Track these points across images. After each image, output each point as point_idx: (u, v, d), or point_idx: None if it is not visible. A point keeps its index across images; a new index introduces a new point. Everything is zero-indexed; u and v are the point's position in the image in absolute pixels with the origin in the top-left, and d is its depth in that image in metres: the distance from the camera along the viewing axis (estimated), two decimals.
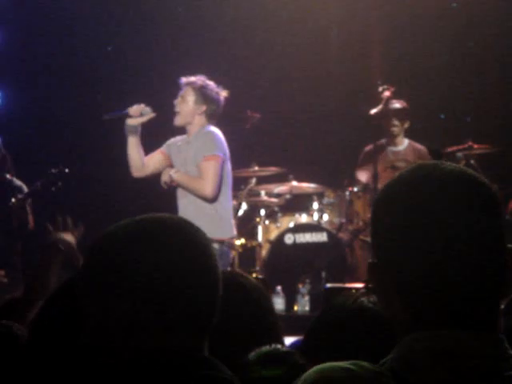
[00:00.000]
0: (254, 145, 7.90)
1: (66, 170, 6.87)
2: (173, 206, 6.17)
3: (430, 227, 1.38)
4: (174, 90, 6.26)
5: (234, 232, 6.31)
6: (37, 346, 1.97)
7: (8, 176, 7.13)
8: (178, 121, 6.13)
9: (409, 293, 1.39)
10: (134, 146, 6.14)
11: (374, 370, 1.37)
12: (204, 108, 6.06)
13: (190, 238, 1.62)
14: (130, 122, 6.11)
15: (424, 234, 1.38)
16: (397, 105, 7.68)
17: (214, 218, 5.94)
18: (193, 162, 6.02)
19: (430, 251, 1.37)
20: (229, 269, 5.88)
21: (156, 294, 1.56)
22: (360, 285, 6.14)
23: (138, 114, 6.09)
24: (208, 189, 5.93)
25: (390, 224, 1.41)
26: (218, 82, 6.19)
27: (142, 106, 6.10)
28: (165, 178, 6.08)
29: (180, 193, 6.12)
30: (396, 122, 7.78)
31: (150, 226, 1.62)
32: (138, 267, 1.57)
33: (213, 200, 5.97)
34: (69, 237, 3.29)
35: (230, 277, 2.29)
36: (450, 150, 7.30)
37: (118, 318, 1.57)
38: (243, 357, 1.89)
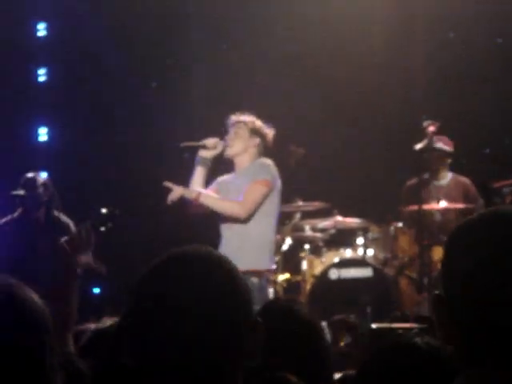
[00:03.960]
0: (298, 180, 7.92)
1: (117, 211, 6.90)
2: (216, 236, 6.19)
3: (500, 271, 1.40)
4: (218, 126, 6.31)
5: (273, 265, 6.30)
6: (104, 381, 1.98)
7: (56, 213, 7.21)
8: (231, 151, 6.13)
9: (469, 330, 1.41)
10: (200, 177, 6.13)
11: None
12: (258, 141, 6.11)
13: (226, 274, 1.62)
14: (203, 153, 6.11)
15: (495, 278, 1.40)
16: (439, 145, 7.63)
17: (257, 248, 5.94)
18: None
19: (498, 294, 1.39)
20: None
21: (186, 333, 1.56)
22: (407, 325, 6.09)
23: (213, 146, 6.12)
24: (243, 209, 5.91)
25: (462, 264, 1.44)
26: (262, 117, 6.24)
27: (217, 139, 6.12)
28: (190, 196, 5.99)
29: (224, 225, 6.13)
30: (438, 161, 7.76)
31: (184, 263, 1.62)
32: (168, 306, 1.58)
33: (244, 221, 5.95)
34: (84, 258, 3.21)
35: (286, 305, 2.27)
36: (495, 185, 7.24)
37: (150, 357, 1.58)
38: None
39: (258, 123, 6.17)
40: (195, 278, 1.59)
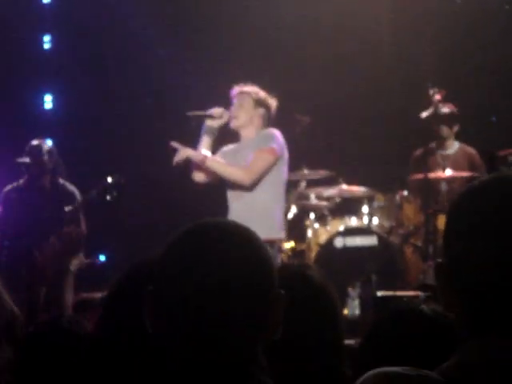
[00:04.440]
0: (304, 148, 7.90)
1: (122, 180, 6.91)
2: (224, 208, 6.19)
3: (502, 236, 1.39)
4: (224, 96, 6.31)
5: (283, 234, 6.32)
6: (103, 341, 1.99)
7: (61, 181, 7.22)
8: (235, 123, 6.14)
9: (469, 297, 1.40)
10: (206, 147, 6.12)
11: (427, 376, 1.38)
12: (262, 111, 6.12)
13: (250, 246, 1.61)
14: (210, 123, 6.11)
15: (496, 242, 1.39)
16: (445, 109, 7.62)
17: (267, 218, 5.96)
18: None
19: (499, 260, 1.38)
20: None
21: (208, 308, 1.54)
22: (411, 293, 6.10)
23: (220, 116, 6.11)
24: (248, 175, 5.94)
25: (462, 229, 1.43)
26: (268, 85, 6.23)
27: (223, 109, 6.12)
28: (197, 158, 6.02)
29: (232, 196, 6.13)
30: (444, 127, 7.74)
31: (211, 236, 1.60)
32: (193, 277, 1.56)
33: (250, 189, 5.98)
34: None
35: (299, 270, 2.25)
36: (501, 153, 7.22)
37: (176, 327, 1.57)
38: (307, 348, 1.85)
39: (262, 94, 6.17)
40: (218, 249, 1.57)
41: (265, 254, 1.62)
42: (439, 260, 1.46)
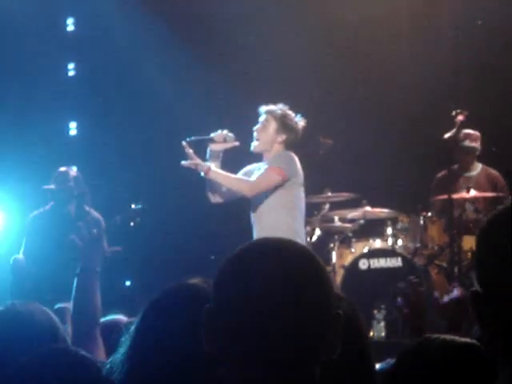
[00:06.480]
0: (327, 171, 7.91)
1: (146, 207, 6.95)
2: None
3: None
4: (250, 117, 6.30)
5: None
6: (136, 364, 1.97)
7: (86, 207, 7.27)
8: (257, 148, 6.08)
9: (509, 325, 1.37)
10: None
11: None
12: (284, 137, 6.04)
13: (311, 265, 1.58)
14: (213, 147, 6.06)
15: None
16: (466, 143, 7.66)
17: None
18: None
19: None
20: None
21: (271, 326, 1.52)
22: None
23: (222, 139, 6.04)
24: (250, 187, 5.93)
25: (495, 256, 1.40)
26: (292, 108, 6.17)
27: (226, 132, 6.05)
28: (202, 168, 5.95)
29: (254, 219, 6.11)
30: (466, 158, 7.80)
31: (272, 254, 1.58)
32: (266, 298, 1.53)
33: (248, 198, 5.97)
34: None
35: None
36: None
37: (237, 346, 1.55)
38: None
39: (289, 117, 6.05)
40: (280, 266, 1.54)
41: (325, 274, 1.59)
42: (473, 289, 1.43)
